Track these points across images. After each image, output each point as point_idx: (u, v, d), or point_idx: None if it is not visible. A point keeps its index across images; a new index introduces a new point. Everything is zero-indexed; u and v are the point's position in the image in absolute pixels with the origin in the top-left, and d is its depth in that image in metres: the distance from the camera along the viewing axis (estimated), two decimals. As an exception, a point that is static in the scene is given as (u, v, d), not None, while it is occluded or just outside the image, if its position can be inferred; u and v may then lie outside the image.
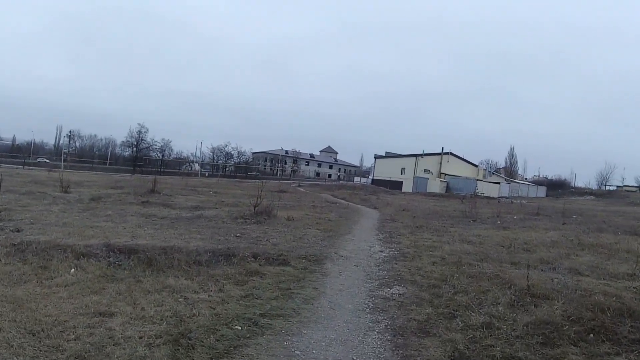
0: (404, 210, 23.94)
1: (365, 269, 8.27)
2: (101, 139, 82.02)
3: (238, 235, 11.01)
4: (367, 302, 6.16)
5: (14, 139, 76.43)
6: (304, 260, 8.36)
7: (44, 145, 76.02)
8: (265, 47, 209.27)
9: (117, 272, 7.21)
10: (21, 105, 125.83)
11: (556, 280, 7.51)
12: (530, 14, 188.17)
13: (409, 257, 9.52)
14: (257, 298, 5.91)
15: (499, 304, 6.05)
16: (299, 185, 54.11)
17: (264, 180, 61.59)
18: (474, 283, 7.09)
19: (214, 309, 5.49)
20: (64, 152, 66.21)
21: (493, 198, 48.98)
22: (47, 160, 62.28)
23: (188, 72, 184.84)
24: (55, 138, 69.80)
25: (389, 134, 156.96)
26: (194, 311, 5.38)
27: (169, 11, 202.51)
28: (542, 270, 8.50)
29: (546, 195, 69.43)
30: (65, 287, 6.48)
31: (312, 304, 5.83)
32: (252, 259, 8.02)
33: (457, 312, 5.71)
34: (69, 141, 68.89)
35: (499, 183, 61.60)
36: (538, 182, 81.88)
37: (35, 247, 8.32)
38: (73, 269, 7.36)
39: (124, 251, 8.20)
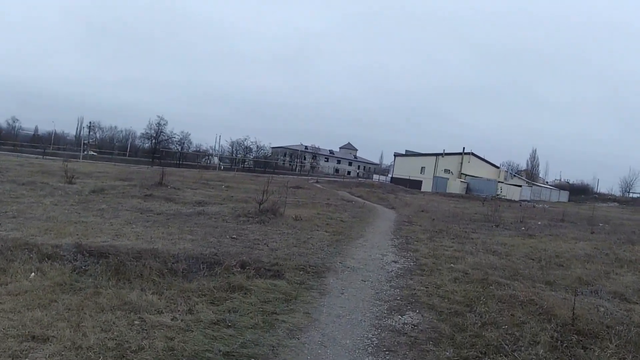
0: (422, 211, 22.44)
1: (374, 285, 6.88)
2: (121, 131, 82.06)
3: (234, 236, 9.75)
4: (370, 335, 4.79)
5: (36, 130, 76.74)
6: (301, 272, 7.02)
7: (64, 135, 76.26)
8: (283, 41, 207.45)
9: (79, 279, 6.00)
10: (43, 97, 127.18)
11: (602, 309, 6.06)
12: (551, 9, 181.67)
13: (427, 270, 8.11)
14: (229, 326, 4.60)
15: (538, 343, 4.65)
16: (317, 182, 52.84)
17: (282, 175, 60.88)
18: (505, 311, 5.67)
19: (171, 339, 4.20)
20: (84, 143, 66.09)
21: (514, 201, 46.97)
22: (66, 152, 62.12)
23: (205, 64, 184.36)
24: (76, 129, 69.88)
25: (407, 132, 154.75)
26: (144, 342, 4.10)
27: (186, 2, 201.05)
28: (582, 293, 7.00)
29: (568, 200, 66.85)
30: (16, 296, 5.34)
31: (299, 338, 4.48)
32: (240, 268, 6.71)
33: (487, 356, 4.32)
34: (89, 132, 68.66)
35: (520, 186, 59.36)
36: (560, 187, 79.00)
37: (1, 246, 7.19)
38: (33, 274, 6.22)
39: (94, 254, 6.99)
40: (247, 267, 6.78)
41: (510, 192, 54.07)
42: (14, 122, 73.15)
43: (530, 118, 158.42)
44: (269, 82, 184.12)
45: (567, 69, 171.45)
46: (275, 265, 7.11)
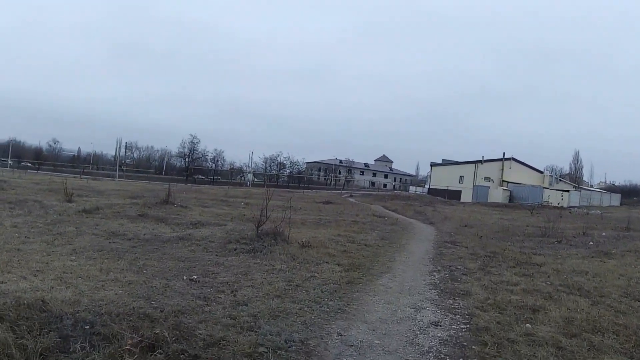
0: (466, 226, 18.60)
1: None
2: (157, 150, 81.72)
3: (194, 277, 6.47)
4: None
5: (79, 151, 77.76)
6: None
7: (103, 156, 76.33)
8: (303, 54, 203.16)
9: None
10: (81, 118, 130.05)
11: None
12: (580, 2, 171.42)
13: (490, 343, 4.50)
14: None
15: None
16: (351, 196, 49.44)
17: (316, 191, 57.92)
18: None
19: None
20: (122, 163, 65.60)
21: (563, 208, 41.99)
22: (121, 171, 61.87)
23: (230, 80, 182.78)
24: (115, 149, 69.62)
25: (441, 141, 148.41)
26: None
27: (206, 19, 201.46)
28: None
29: (620, 204, 60.60)
30: None
31: None
32: (139, 354, 3.37)
33: None
34: (125, 152, 68.01)
35: (568, 191, 53.81)
36: (610, 189, 72.35)
37: None
38: None
39: None
40: (152, 353, 3.43)
41: (556, 198, 48.94)
42: (54, 143, 74.12)
43: (566, 119, 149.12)
44: (294, 96, 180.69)
45: (599, 64, 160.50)
46: (210, 349, 3.72)
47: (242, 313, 4.86)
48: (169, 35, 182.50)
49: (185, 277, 6.42)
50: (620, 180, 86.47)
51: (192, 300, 5.28)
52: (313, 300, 5.67)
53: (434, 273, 8.30)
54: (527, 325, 5.13)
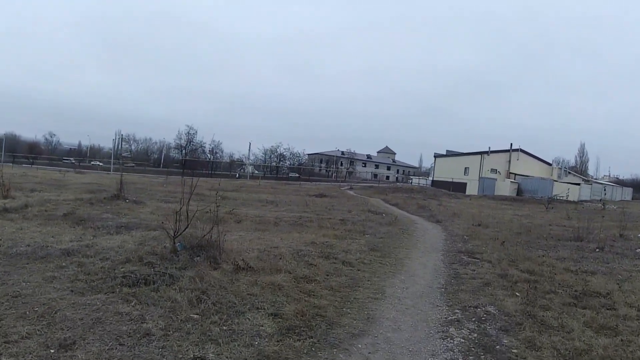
0: (479, 225, 14.76)
1: None
2: (155, 142, 77.64)
3: None
4: None
5: (79, 145, 73.77)
6: None
7: (100, 149, 72.53)
8: (292, 45, 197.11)
9: None
10: (79, 111, 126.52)
11: None
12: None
13: None
14: None
15: None
16: (351, 188, 45.59)
17: (315, 183, 54.04)
18: None
19: None
20: (121, 155, 62.43)
21: (573, 202, 37.99)
22: (100, 164, 58.30)
23: (221, 73, 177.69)
24: (113, 142, 66.17)
25: (439, 133, 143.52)
26: None
27: (194, 13, 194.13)
28: None
29: (632, 198, 56.39)
30: None
31: None
32: None
33: None
34: (120, 145, 64.51)
35: (578, 184, 49.58)
36: (621, 183, 67.94)
37: None
38: None
39: None
40: None
41: (567, 191, 44.92)
42: (51, 136, 70.55)
43: (574, 113, 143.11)
44: (290, 90, 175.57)
45: (601, 57, 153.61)
46: None
47: None
48: (164, 30, 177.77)
49: None
50: (625, 174, 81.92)
51: None
52: None
53: (451, 328, 4.50)
54: None
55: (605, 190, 51.39)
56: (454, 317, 4.84)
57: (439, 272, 7.18)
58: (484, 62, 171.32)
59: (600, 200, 42.39)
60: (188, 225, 6.95)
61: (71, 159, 58.48)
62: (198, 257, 6.55)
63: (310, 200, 22.48)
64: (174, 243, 6.83)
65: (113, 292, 4.99)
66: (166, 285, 5.27)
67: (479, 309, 5.15)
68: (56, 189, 20.12)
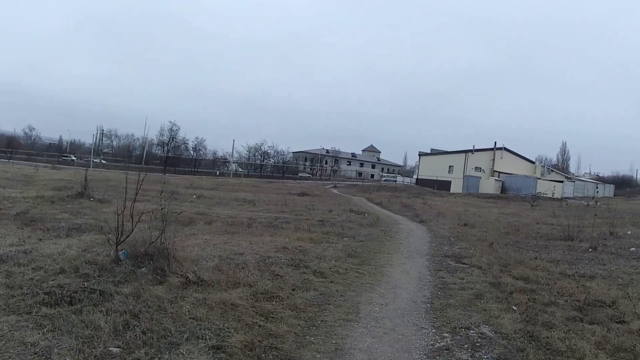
0: (465, 225, 13.99)
1: None
2: (137, 139, 74.96)
3: None
4: None
5: (60, 139, 71.03)
6: None
7: (80, 144, 70.25)
8: (276, 32, 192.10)
9: None
10: (60, 106, 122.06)
11: None
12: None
13: None
14: None
15: None
16: (335, 186, 44.75)
17: (298, 181, 53.08)
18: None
19: None
20: (101, 151, 60.74)
21: (557, 199, 37.67)
22: (74, 159, 56.43)
23: (206, 67, 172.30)
24: (94, 137, 63.96)
25: (424, 129, 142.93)
26: None
27: (177, 9, 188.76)
28: None
29: (614, 195, 56.52)
30: None
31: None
32: None
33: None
34: (100, 141, 62.70)
35: (562, 181, 49.46)
36: (603, 180, 68.29)
37: None
38: None
39: None
40: None
41: (551, 189, 44.61)
42: (30, 130, 67.94)
43: (555, 111, 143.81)
44: (275, 86, 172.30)
45: (585, 43, 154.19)
46: None
47: None
48: (142, 19, 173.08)
49: None
50: (605, 171, 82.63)
51: None
52: None
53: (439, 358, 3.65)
54: None
55: (585, 187, 51.33)
56: (442, 344, 3.94)
57: (424, 281, 6.29)
58: (471, 62, 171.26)
59: (593, 197, 42.14)
60: (133, 229, 5.96)
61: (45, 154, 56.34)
62: (143, 268, 5.59)
63: (291, 199, 21.52)
64: (117, 251, 5.85)
65: (29, 313, 4.04)
66: (93, 305, 4.30)
67: (471, 331, 4.27)
68: (22, 186, 18.92)
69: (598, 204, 30.63)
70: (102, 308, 4.15)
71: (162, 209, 6.09)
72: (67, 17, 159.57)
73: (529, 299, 5.36)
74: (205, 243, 8.05)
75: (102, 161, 58.55)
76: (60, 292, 4.60)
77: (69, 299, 4.44)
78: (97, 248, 6.61)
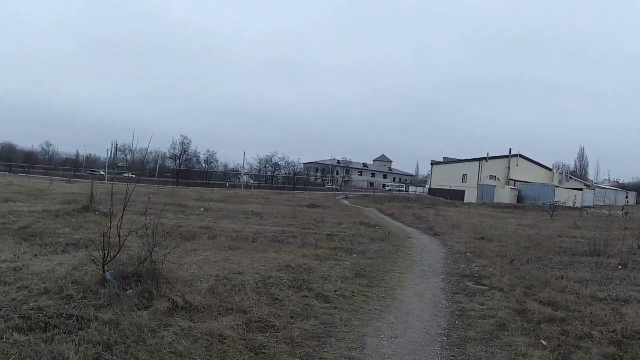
0: (482, 238, 13.27)
1: None
2: (151, 152, 76.00)
3: None
4: None
5: (77, 154, 72.22)
6: None
7: (97, 159, 71.19)
8: (279, 48, 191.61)
9: None
10: (80, 123, 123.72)
11: None
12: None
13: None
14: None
15: None
16: (346, 197, 44.10)
17: (309, 192, 52.47)
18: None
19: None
20: (114, 165, 61.23)
21: (577, 208, 36.47)
22: (102, 173, 57.43)
23: (210, 80, 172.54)
24: (109, 152, 64.70)
25: (433, 137, 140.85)
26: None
27: (178, 16, 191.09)
28: None
29: (636, 203, 54.74)
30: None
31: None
32: None
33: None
34: (114, 155, 63.21)
35: (581, 189, 47.97)
36: (624, 187, 66.30)
37: None
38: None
39: None
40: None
41: (569, 197, 43.34)
42: (47, 146, 69.18)
43: (571, 116, 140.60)
44: (279, 94, 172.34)
45: (593, 55, 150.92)
46: None
47: None
48: (147, 34, 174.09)
49: None
50: (624, 177, 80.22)
51: None
52: None
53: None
54: None
55: (606, 195, 49.75)
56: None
57: (439, 307, 5.66)
58: (478, 65, 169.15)
59: (600, 206, 40.82)
60: (120, 248, 5.47)
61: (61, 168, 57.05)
62: (130, 290, 5.08)
63: (300, 211, 20.97)
64: (103, 271, 5.37)
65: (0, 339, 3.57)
66: (67, 332, 3.82)
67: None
68: (32, 199, 18.70)
69: (628, 214, 29.53)
70: (75, 337, 3.66)
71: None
72: (76, 39, 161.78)
73: (560, 331, 4.70)
74: (205, 260, 7.55)
75: (131, 175, 59.44)
76: (36, 316, 4.16)
77: (43, 324, 4.03)
78: (89, 266, 6.14)
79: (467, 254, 10.40)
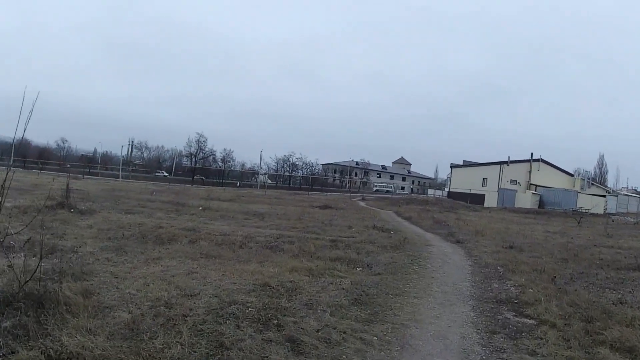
0: (511, 247, 11.08)
1: None
2: (167, 150, 74.63)
3: None
4: None
5: (95, 151, 71.30)
6: None
7: (113, 156, 70.12)
8: (293, 49, 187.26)
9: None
10: (97, 122, 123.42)
11: None
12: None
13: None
14: None
15: None
16: (363, 199, 41.91)
17: (327, 193, 50.50)
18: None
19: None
20: (130, 162, 60.28)
21: (599, 215, 33.56)
22: (166, 175, 57.24)
23: (226, 80, 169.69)
24: (126, 149, 63.53)
25: (452, 141, 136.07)
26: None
27: (195, 18, 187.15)
28: None
29: (657, 211, 51.05)
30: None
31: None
32: None
33: None
34: (130, 152, 62.20)
35: (604, 196, 44.75)
36: (643, 195, 62.33)
37: None
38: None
39: None
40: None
41: (591, 204, 40.27)
42: (63, 143, 68.36)
43: (589, 122, 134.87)
44: (296, 96, 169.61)
45: (607, 64, 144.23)
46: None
47: None
48: (163, 36, 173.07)
49: None
50: (642, 184, 75.99)
51: None
52: None
53: None
54: None
55: (629, 202, 46.29)
56: None
57: (472, 360, 3.63)
58: (495, 68, 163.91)
59: (624, 213, 37.69)
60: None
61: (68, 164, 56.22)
62: (7, 323, 3.26)
63: (309, 212, 19.03)
64: (23, 290, 3.55)
65: None
66: None
67: None
68: (18, 195, 17.19)
69: (638, 221, 26.70)
70: None
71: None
72: (94, 32, 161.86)
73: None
74: (160, 274, 5.68)
75: (164, 174, 58.86)
76: None
77: None
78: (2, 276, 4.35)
79: (498, 267, 8.30)
